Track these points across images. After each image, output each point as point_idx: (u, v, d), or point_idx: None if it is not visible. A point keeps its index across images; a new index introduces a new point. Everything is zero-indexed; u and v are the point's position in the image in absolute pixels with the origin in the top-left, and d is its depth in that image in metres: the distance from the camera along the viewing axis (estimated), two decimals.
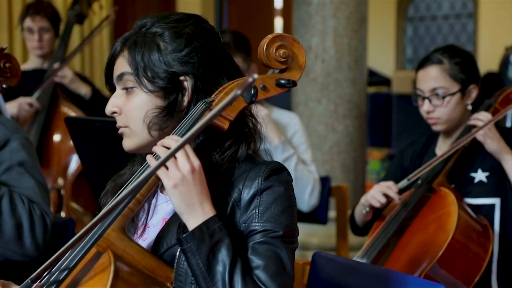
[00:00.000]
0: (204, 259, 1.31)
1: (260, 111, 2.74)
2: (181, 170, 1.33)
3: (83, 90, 3.57)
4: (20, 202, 1.92)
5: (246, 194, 1.40)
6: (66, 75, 3.51)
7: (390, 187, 2.34)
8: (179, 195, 1.33)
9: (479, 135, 2.32)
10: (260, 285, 1.33)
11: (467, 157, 2.38)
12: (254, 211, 1.39)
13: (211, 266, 1.31)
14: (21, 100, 3.36)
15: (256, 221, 1.38)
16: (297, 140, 2.98)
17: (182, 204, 1.34)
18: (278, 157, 2.84)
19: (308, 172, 2.92)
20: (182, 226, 1.36)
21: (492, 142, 2.32)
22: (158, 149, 1.36)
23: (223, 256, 1.32)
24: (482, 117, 2.34)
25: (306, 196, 2.91)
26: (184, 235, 1.33)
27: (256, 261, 1.35)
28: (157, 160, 1.34)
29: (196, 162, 1.35)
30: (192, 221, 1.34)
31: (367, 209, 2.40)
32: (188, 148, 1.35)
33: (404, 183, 2.37)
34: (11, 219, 1.90)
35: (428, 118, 2.44)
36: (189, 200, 1.34)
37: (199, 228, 1.32)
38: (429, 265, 2.14)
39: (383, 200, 2.33)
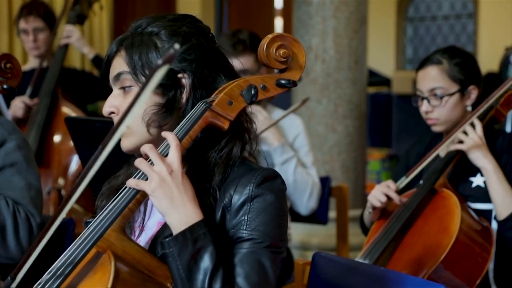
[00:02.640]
0: (185, 265, 1.31)
1: (259, 115, 2.77)
2: (158, 173, 1.32)
3: (86, 50, 3.69)
4: (4, 204, 1.91)
5: (237, 200, 1.39)
6: (72, 34, 3.58)
7: (389, 186, 2.34)
8: (160, 197, 1.33)
9: (460, 146, 2.32)
10: None
11: (467, 161, 2.37)
12: (243, 218, 1.38)
13: (191, 273, 1.31)
14: (14, 103, 3.38)
15: (244, 228, 1.38)
16: (299, 143, 2.98)
17: (164, 206, 1.33)
18: (277, 160, 2.83)
19: (308, 175, 2.91)
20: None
21: (471, 151, 2.31)
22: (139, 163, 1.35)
23: (205, 263, 1.31)
24: (467, 138, 2.32)
25: (305, 199, 2.91)
26: (167, 239, 1.32)
27: (238, 269, 1.35)
28: (141, 176, 1.35)
29: (175, 163, 1.34)
30: (176, 223, 1.33)
31: (370, 210, 2.41)
32: (172, 149, 1.35)
33: (402, 180, 2.38)
34: None
35: (427, 119, 2.44)
36: (171, 201, 1.33)
37: (183, 233, 1.31)
38: (432, 267, 2.13)
39: (384, 199, 2.33)
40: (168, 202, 1.33)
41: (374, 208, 2.39)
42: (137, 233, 1.50)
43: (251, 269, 1.35)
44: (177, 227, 1.33)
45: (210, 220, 1.37)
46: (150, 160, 1.35)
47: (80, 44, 3.65)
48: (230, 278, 1.34)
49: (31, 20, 3.59)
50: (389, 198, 2.33)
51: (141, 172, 1.36)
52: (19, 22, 3.63)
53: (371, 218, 2.45)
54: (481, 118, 2.37)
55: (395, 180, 2.49)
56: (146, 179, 1.35)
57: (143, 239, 1.47)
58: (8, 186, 1.97)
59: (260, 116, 2.78)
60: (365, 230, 2.57)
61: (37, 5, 3.67)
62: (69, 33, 3.60)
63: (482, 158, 2.30)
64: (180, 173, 1.34)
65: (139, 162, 1.34)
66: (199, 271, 1.31)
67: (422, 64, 2.45)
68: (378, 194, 2.34)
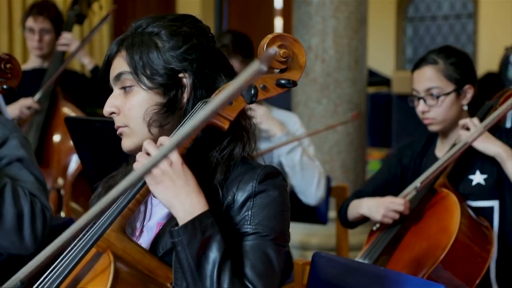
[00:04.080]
0: (194, 254, 1.31)
1: (258, 109, 2.77)
2: (158, 166, 1.33)
3: (87, 60, 3.66)
4: (22, 193, 1.92)
5: (240, 197, 1.40)
6: (71, 43, 3.56)
7: (404, 205, 2.30)
8: (164, 189, 1.33)
9: (469, 140, 2.32)
10: (247, 284, 1.33)
11: (466, 159, 2.37)
12: (246, 213, 1.39)
13: (200, 262, 1.31)
14: (22, 103, 3.37)
15: (248, 223, 1.38)
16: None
17: (169, 197, 1.34)
18: (283, 148, 2.84)
19: (314, 164, 2.92)
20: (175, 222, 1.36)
21: (478, 143, 2.30)
22: (142, 157, 1.36)
23: (213, 252, 1.31)
24: (468, 133, 2.32)
25: (313, 188, 2.90)
26: (176, 228, 1.32)
27: (245, 260, 1.36)
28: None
29: (173, 156, 1.34)
30: (182, 213, 1.33)
31: (378, 225, 2.40)
32: (166, 144, 1.34)
33: (413, 194, 2.34)
34: (13, 208, 1.89)
35: (424, 119, 2.44)
36: (175, 192, 1.33)
37: (192, 222, 1.32)
38: (432, 267, 2.13)
39: (397, 217, 2.32)
40: (172, 193, 1.33)
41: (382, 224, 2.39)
42: (137, 234, 1.50)
43: (258, 259, 1.36)
44: (183, 218, 1.33)
45: (213, 213, 1.37)
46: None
47: (80, 55, 3.63)
48: (238, 268, 1.34)
49: (40, 20, 3.58)
50: (401, 215, 2.33)
51: None
52: (27, 20, 3.61)
53: (359, 218, 2.46)
54: (481, 118, 2.37)
55: (385, 175, 2.50)
56: None
57: (144, 241, 1.48)
58: (20, 179, 1.97)
59: (260, 111, 2.79)
60: (345, 222, 2.56)
61: (49, 7, 3.66)
62: (68, 41, 3.58)
63: (492, 146, 2.29)
64: (179, 163, 1.34)
65: (139, 156, 1.35)
66: (208, 260, 1.31)
67: (418, 64, 2.45)
68: (392, 215, 2.32)
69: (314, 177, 2.89)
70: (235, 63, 2.76)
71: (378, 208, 2.36)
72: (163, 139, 1.38)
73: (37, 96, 3.39)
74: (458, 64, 2.41)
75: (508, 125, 2.58)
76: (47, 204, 1.97)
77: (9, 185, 1.90)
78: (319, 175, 2.90)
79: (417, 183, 2.35)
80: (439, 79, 2.39)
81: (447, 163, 2.33)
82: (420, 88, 2.42)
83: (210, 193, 1.40)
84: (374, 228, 2.43)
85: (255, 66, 1.03)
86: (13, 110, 3.35)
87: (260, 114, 2.77)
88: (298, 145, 2.87)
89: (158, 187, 1.33)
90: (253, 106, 2.72)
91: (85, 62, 3.69)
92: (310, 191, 2.90)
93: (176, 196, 1.33)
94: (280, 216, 1.41)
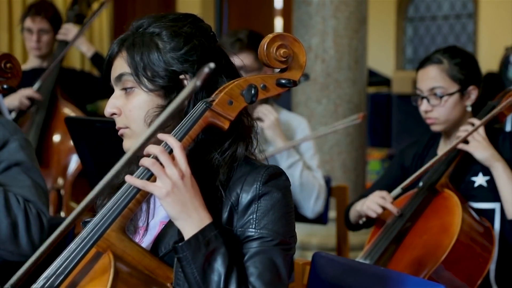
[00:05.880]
0: (199, 268, 1.31)
1: (270, 115, 2.76)
2: (170, 177, 1.32)
3: (85, 48, 3.66)
4: (15, 201, 1.92)
5: (244, 199, 1.39)
6: (69, 32, 3.55)
7: (384, 198, 2.34)
8: (172, 202, 1.32)
9: (466, 146, 2.32)
10: None
11: (468, 160, 2.37)
12: (251, 217, 1.38)
13: (206, 275, 1.31)
14: (21, 93, 3.34)
15: (253, 227, 1.38)
16: (305, 146, 2.96)
17: (176, 211, 1.33)
18: (283, 163, 2.82)
19: (314, 178, 2.89)
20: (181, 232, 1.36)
21: (478, 152, 2.31)
22: (145, 161, 1.34)
23: (219, 265, 1.31)
24: (472, 139, 2.33)
25: (311, 203, 2.89)
26: (180, 244, 1.32)
27: (251, 268, 1.35)
28: (143, 175, 1.34)
29: (184, 167, 1.33)
30: (188, 228, 1.33)
31: (364, 219, 2.41)
32: (177, 152, 1.34)
33: (397, 191, 2.38)
34: (6, 218, 1.89)
35: (427, 118, 2.44)
36: (183, 206, 1.32)
37: (195, 237, 1.32)
38: (433, 267, 2.13)
39: (380, 211, 2.34)
40: (180, 207, 1.33)
41: (368, 217, 2.39)
42: (142, 232, 1.49)
43: (264, 267, 1.35)
44: (189, 232, 1.33)
45: (217, 220, 1.37)
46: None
47: (77, 42, 3.63)
48: (244, 277, 1.34)
49: (37, 20, 3.58)
50: (384, 210, 2.34)
51: (142, 170, 1.35)
52: (25, 20, 3.61)
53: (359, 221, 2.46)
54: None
55: (388, 179, 2.49)
56: (148, 177, 1.34)
57: (147, 239, 1.47)
58: (16, 184, 1.97)
59: (271, 116, 2.78)
60: (348, 224, 2.57)
61: (46, 7, 3.65)
62: (66, 31, 3.59)
63: (490, 158, 2.30)
64: (189, 176, 1.34)
65: (151, 164, 1.32)
66: (214, 273, 1.31)
67: (423, 63, 2.45)
68: (374, 206, 2.34)
69: (313, 192, 2.87)
70: (247, 59, 2.73)
71: (367, 200, 2.38)
72: (165, 136, 1.37)
73: (36, 85, 3.37)
74: (463, 64, 2.40)
75: (508, 128, 2.58)
76: (43, 208, 1.97)
77: (1, 195, 1.90)
78: (318, 189, 2.88)
79: (404, 184, 2.36)
80: (443, 79, 2.39)
81: (436, 161, 2.33)
82: (424, 88, 2.42)
83: (213, 194, 1.39)
84: (361, 222, 2.44)
85: (192, 84, 1.23)
86: (13, 100, 3.32)
87: (271, 120, 2.76)
88: (299, 160, 2.86)
89: (166, 199, 1.32)
90: (266, 110, 2.73)
91: (83, 50, 3.67)
92: (308, 205, 2.89)
93: (183, 210, 1.33)
94: (284, 218, 1.41)
